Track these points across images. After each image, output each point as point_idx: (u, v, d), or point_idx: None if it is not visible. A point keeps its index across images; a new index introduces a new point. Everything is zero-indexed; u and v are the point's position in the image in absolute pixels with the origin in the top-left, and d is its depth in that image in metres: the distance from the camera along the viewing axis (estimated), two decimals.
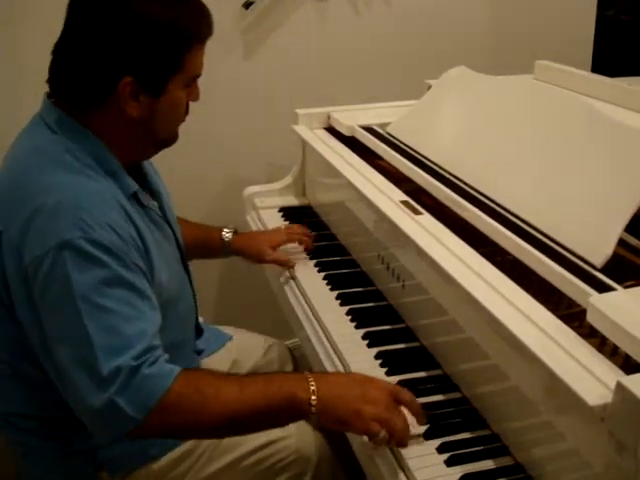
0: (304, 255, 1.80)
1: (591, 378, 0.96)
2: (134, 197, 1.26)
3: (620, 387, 0.85)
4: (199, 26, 1.23)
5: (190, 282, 1.49)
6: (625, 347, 0.98)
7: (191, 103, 1.30)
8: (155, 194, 1.39)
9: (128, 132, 1.24)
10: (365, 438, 1.17)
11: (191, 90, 1.28)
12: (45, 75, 1.24)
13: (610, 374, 0.96)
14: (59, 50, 1.22)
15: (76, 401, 1.12)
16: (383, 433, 1.11)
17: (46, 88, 1.26)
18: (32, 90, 1.32)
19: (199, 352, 1.58)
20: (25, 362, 1.22)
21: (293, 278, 1.74)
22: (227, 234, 1.73)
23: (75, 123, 1.21)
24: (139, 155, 1.33)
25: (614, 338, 1.00)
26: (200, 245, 1.69)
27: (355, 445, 1.26)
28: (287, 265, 1.73)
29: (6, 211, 1.16)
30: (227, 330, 1.77)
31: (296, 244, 1.79)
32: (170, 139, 1.32)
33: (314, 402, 1.10)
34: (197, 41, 1.23)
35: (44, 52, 1.23)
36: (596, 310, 1.02)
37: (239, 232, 1.78)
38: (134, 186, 1.26)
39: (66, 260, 1.08)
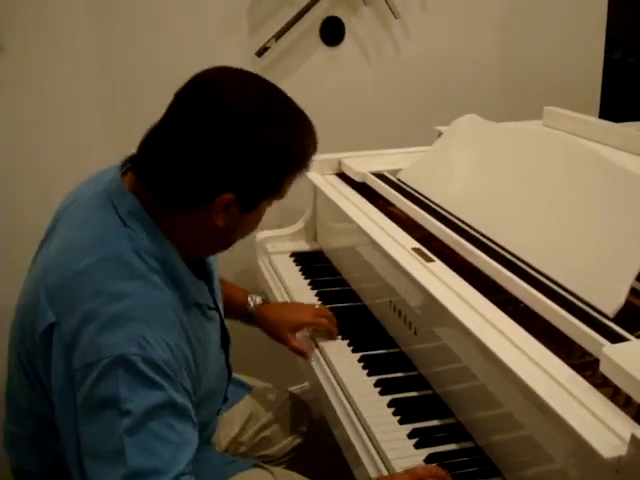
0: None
1: (605, 430, 0.96)
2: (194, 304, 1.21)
3: (635, 440, 0.85)
4: (308, 155, 1.18)
5: (227, 361, 1.44)
6: (639, 398, 0.98)
7: None
8: (208, 277, 1.33)
9: (205, 237, 1.19)
10: None
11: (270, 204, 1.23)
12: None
13: (624, 425, 0.96)
14: (157, 138, 1.14)
15: None
16: None
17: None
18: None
19: (218, 411, 1.54)
20: (51, 437, 1.17)
21: None
22: (251, 302, 1.66)
23: (151, 220, 1.13)
24: (205, 255, 1.30)
25: (627, 389, 1.00)
26: (227, 306, 1.58)
27: None
28: (304, 357, 1.63)
29: (61, 304, 1.09)
30: (244, 379, 1.76)
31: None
32: (232, 244, 1.26)
33: None
34: (300, 170, 1.18)
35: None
36: (609, 360, 1.02)
37: (266, 301, 1.72)
38: (196, 298, 1.21)
39: (118, 375, 1.02)
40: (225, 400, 1.52)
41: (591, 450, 0.92)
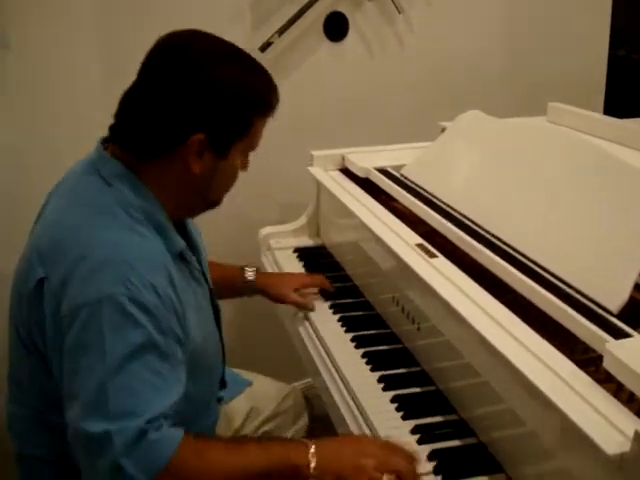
0: (320, 299, 1.81)
1: (608, 426, 0.95)
2: (179, 255, 1.27)
3: (638, 436, 0.85)
4: (271, 96, 1.27)
5: (221, 338, 1.48)
6: None
7: None
8: (194, 249, 1.40)
9: (184, 189, 1.26)
10: None
11: (245, 161, 1.32)
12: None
13: (627, 422, 0.95)
14: (130, 100, 1.24)
15: (82, 460, 1.11)
16: (385, 478, 1.14)
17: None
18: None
19: (219, 399, 1.57)
20: (53, 412, 1.21)
21: (307, 319, 1.74)
22: (250, 273, 1.76)
23: (132, 176, 1.22)
24: (187, 213, 1.35)
25: (631, 385, 1.00)
26: (225, 284, 1.70)
27: None
28: (306, 308, 1.75)
29: (51, 259, 1.16)
30: (244, 375, 1.77)
31: (316, 290, 1.82)
32: (216, 202, 1.35)
33: (312, 466, 1.13)
34: (267, 110, 1.27)
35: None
36: (613, 357, 1.02)
37: (260, 271, 1.82)
38: (181, 244, 1.27)
39: (104, 316, 1.07)
40: (223, 385, 1.54)
41: (594, 446, 0.92)
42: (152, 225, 1.21)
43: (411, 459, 1.19)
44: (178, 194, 1.26)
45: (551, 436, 1.07)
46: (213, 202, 1.34)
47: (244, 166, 1.32)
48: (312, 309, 1.75)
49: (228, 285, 1.72)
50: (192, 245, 1.39)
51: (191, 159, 1.21)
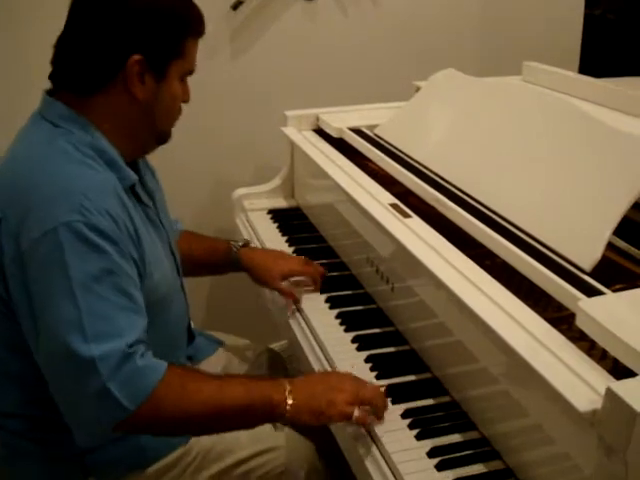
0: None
1: (581, 383, 0.96)
2: (132, 191, 1.27)
3: (610, 393, 0.85)
4: (194, 18, 1.28)
5: (182, 287, 1.48)
6: (614, 352, 0.98)
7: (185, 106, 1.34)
8: (150, 195, 1.39)
9: (129, 119, 1.26)
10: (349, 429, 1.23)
11: (184, 88, 1.31)
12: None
13: (599, 379, 0.96)
14: (62, 42, 1.24)
15: (66, 392, 1.12)
16: (357, 412, 1.19)
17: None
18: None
19: (190, 358, 1.57)
20: (17, 358, 1.22)
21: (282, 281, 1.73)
22: (235, 247, 1.68)
23: (76, 115, 1.22)
24: (138, 149, 1.33)
25: (603, 343, 1.00)
26: (208, 258, 1.68)
27: (345, 448, 1.27)
28: (290, 298, 1.63)
29: (6, 198, 1.17)
30: (218, 336, 1.76)
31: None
32: (166, 133, 1.35)
33: (289, 403, 1.17)
34: (193, 31, 1.28)
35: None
36: (585, 315, 1.02)
37: (251, 246, 1.76)
38: (134, 177, 1.27)
39: (64, 244, 1.09)
40: (191, 339, 1.55)
41: (567, 404, 0.92)
42: (103, 160, 1.22)
43: (380, 391, 1.26)
44: (125, 128, 1.26)
45: (523, 394, 1.08)
46: (161, 133, 1.34)
47: (185, 94, 1.32)
48: (298, 301, 1.63)
49: (211, 259, 1.69)
50: (147, 191, 1.38)
51: (133, 85, 1.22)
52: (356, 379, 1.26)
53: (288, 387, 1.18)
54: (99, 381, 1.07)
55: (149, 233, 1.30)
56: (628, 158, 1.24)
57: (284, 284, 1.65)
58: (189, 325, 1.55)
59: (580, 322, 1.04)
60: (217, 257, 1.69)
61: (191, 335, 1.57)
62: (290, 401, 1.17)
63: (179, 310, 1.44)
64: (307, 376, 1.34)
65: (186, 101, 1.33)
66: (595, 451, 0.90)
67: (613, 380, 0.95)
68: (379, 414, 1.23)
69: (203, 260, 1.67)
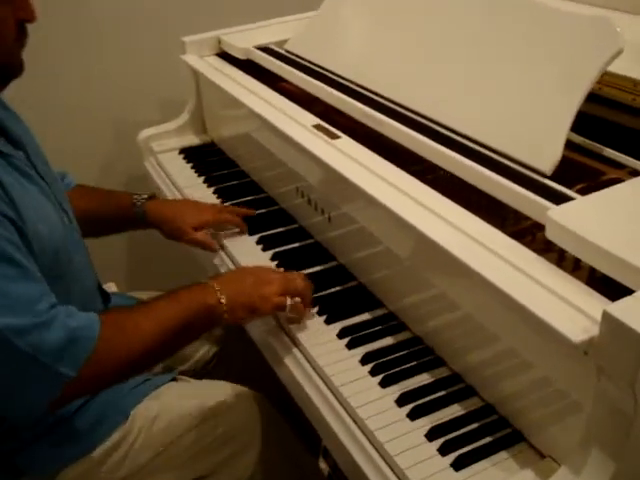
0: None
1: (565, 305, 0.84)
2: None
3: (607, 317, 0.73)
4: None
5: (82, 244, 1.32)
6: (594, 262, 0.87)
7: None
8: (18, 144, 1.20)
9: None
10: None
11: (18, 5, 1.08)
12: None
13: (581, 296, 0.85)
14: None
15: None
16: (289, 301, 1.21)
17: None
18: None
19: None
20: None
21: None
22: (139, 200, 1.52)
23: None
24: None
25: (578, 252, 0.89)
26: (111, 214, 1.52)
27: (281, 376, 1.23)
28: (209, 249, 1.52)
29: None
30: (141, 295, 1.59)
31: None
32: (10, 65, 1.12)
33: (223, 302, 1.16)
34: None
35: None
36: (556, 224, 0.90)
37: (157, 199, 1.59)
38: None
39: None
40: (107, 299, 1.42)
41: (555, 332, 0.80)
42: None
43: (307, 281, 1.26)
44: None
45: (489, 318, 0.98)
46: (5, 65, 1.12)
47: (24, 13, 1.10)
48: (215, 250, 1.52)
49: (112, 216, 1.53)
50: (12, 139, 1.19)
51: None
52: (278, 270, 1.29)
53: (217, 286, 1.17)
54: (28, 356, 0.97)
55: (21, 184, 1.12)
56: (581, 41, 1.10)
57: (200, 234, 1.51)
58: (98, 283, 1.40)
59: (550, 233, 0.92)
60: (119, 213, 1.52)
61: (106, 296, 1.42)
62: (224, 299, 1.16)
63: (82, 265, 1.29)
64: (230, 272, 1.37)
65: (29, 19, 1.11)
66: (589, 381, 0.80)
67: (594, 293, 0.85)
68: (307, 302, 1.25)
69: (103, 217, 1.49)
